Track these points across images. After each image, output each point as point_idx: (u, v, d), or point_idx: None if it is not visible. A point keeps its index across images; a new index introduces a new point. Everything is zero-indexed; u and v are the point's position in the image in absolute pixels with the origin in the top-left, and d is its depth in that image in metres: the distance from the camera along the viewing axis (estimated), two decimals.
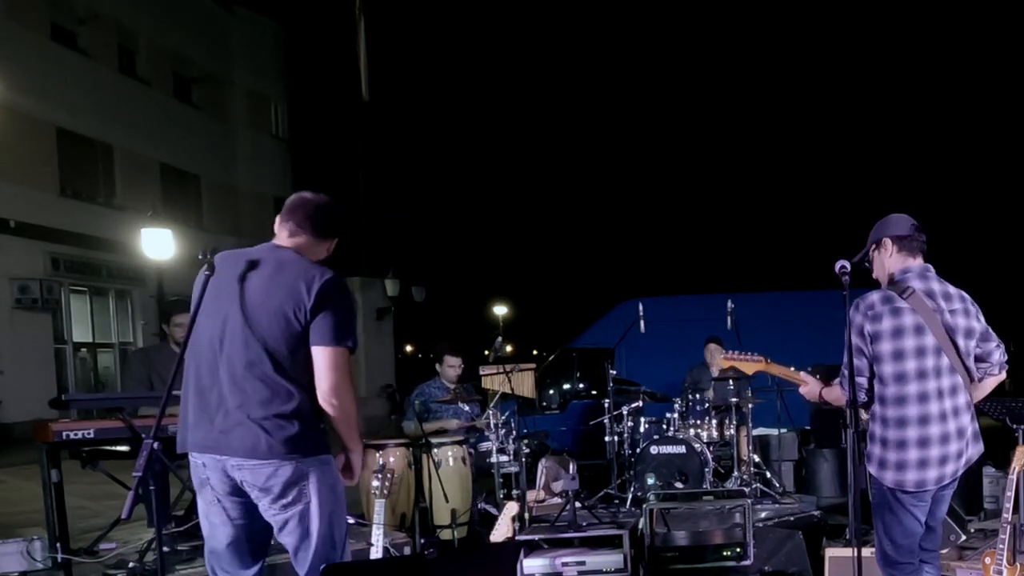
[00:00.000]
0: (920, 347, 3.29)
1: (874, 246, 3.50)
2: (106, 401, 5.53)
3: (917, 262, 3.47)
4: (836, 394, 3.45)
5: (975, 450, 3.41)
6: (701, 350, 8.35)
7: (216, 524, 3.06)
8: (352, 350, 3.05)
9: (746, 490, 6.16)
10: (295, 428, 2.93)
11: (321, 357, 2.96)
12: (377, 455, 5.75)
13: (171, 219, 15.18)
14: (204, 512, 3.08)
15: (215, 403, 2.96)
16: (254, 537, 3.11)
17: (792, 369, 3.67)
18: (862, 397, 3.35)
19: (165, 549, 3.00)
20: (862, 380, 3.33)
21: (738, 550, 5.20)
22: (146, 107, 20.24)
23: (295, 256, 3.07)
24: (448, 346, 6.93)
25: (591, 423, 8.56)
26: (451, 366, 6.79)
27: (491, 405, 6.46)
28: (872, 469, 3.35)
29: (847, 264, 3.37)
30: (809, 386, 3.58)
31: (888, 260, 3.46)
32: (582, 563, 5.10)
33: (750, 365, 3.68)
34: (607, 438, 7.50)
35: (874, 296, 3.35)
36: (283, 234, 3.14)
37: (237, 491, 3.00)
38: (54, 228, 17.32)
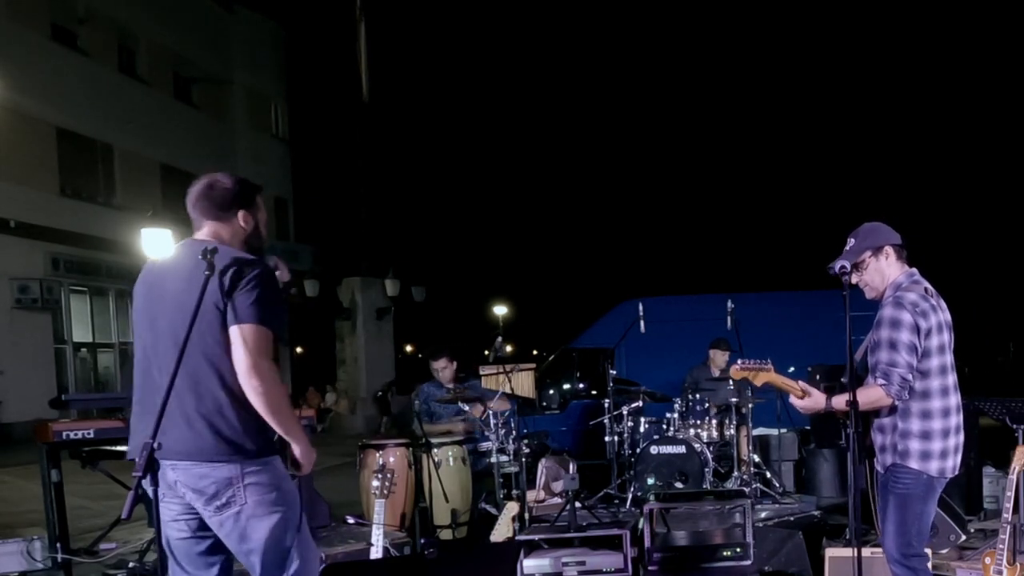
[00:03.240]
0: (949, 341, 3.55)
1: (870, 253, 3.57)
2: (106, 401, 5.54)
3: (911, 268, 3.61)
4: (845, 401, 3.41)
5: None
6: (701, 350, 8.36)
7: (167, 522, 3.01)
8: (276, 335, 2.91)
9: (746, 490, 6.16)
10: (230, 429, 2.86)
11: (235, 336, 2.84)
12: (377, 455, 5.76)
13: (171, 219, 15.17)
14: (158, 513, 3.00)
15: (151, 409, 2.88)
16: (206, 537, 3.03)
17: (797, 382, 3.63)
18: (906, 395, 3.42)
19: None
20: (910, 377, 3.41)
21: (738, 550, 5.21)
22: (146, 107, 20.24)
23: (219, 248, 2.96)
24: (429, 351, 6.90)
25: (591, 423, 8.55)
26: (436, 369, 6.78)
27: (491, 405, 6.46)
28: (913, 463, 3.45)
29: (847, 264, 3.48)
30: (812, 398, 3.54)
31: (888, 268, 3.58)
32: (582, 563, 5.10)
33: (761, 376, 3.66)
34: (607, 438, 7.50)
35: (912, 295, 3.46)
36: (196, 230, 3.12)
37: (176, 493, 2.95)
38: (54, 228, 17.33)
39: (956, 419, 3.52)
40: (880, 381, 3.40)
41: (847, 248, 3.60)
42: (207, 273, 2.79)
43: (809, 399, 3.55)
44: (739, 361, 3.69)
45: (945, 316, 3.54)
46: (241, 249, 3.09)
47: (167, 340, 2.90)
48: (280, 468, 3.00)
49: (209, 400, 2.88)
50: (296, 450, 3.01)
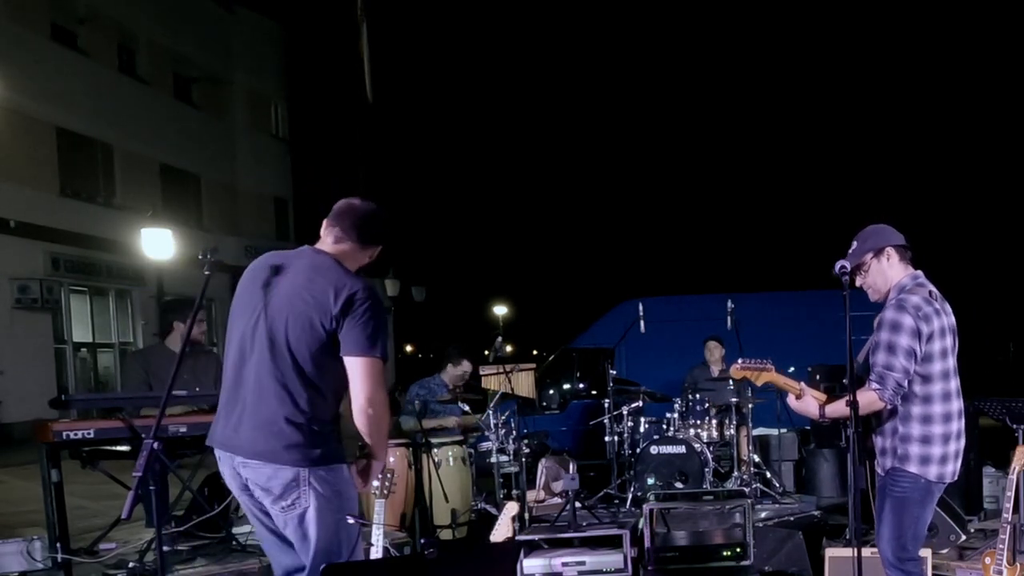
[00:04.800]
0: (952, 346, 3.53)
1: (871, 255, 3.55)
2: (106, 401, 5.53)
3: (916, 270, 3.58)
4: (842, 408, 3.41)
5: None
6: (701, 350, 8.36)
7: (248, 513, 3.16)
8: (384, 360, 3.06)
9: (746, 490, 6.16)
10: (301, 435, 2.94)
11: (355, 367, 2.97)
12: None
13: (171, 219, 15.17)
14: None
15: (235, 402, 3.02)
16: (279, 528, 3.12)
17: (798, 383, 3.61)
18: (898, 400, 3.41)
19: (165, 549, 2.99)
20: (905, 382, 3.39)
21: (738, 550, 5.20)
22: (146, 107, 20.22)
23: (331, 262, 3.08)
24: (465, 349, 6.96)
25: (591, 423, 8.55)
26: (466, 370, 6.81)
27: (491, 405, 6.46)
28: (912, 467, 3.43)
29: (847, 265, 3.46)
30: (805, 401, 3.53)
31: (890, 269, 3.55)
32: (582, 563, 5.10)
33: (763, 376, 3.62)
34: (607, 438, 7.50)
35: (916, 298, 3.43)
36: (328, 239, 3.17)
37: (246, 488, 3.05)
38: (54, 228, 17.30)
39: (957, 425, 3.49)
40: (874, 385, 3.39)
41: (850, 251, 3.58)
42: (207, 273, 2.82)
43: (803, 402, 3.53)
44: (739, 360, 3.66)
45: (949, 320, 3.51)
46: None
47: (264, 339, 2.97)
48: (345, 475, 3.09)
49: (292, 406, 2.95)
50: (375, 467, 3.15)
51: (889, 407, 3.42)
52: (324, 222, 3.22)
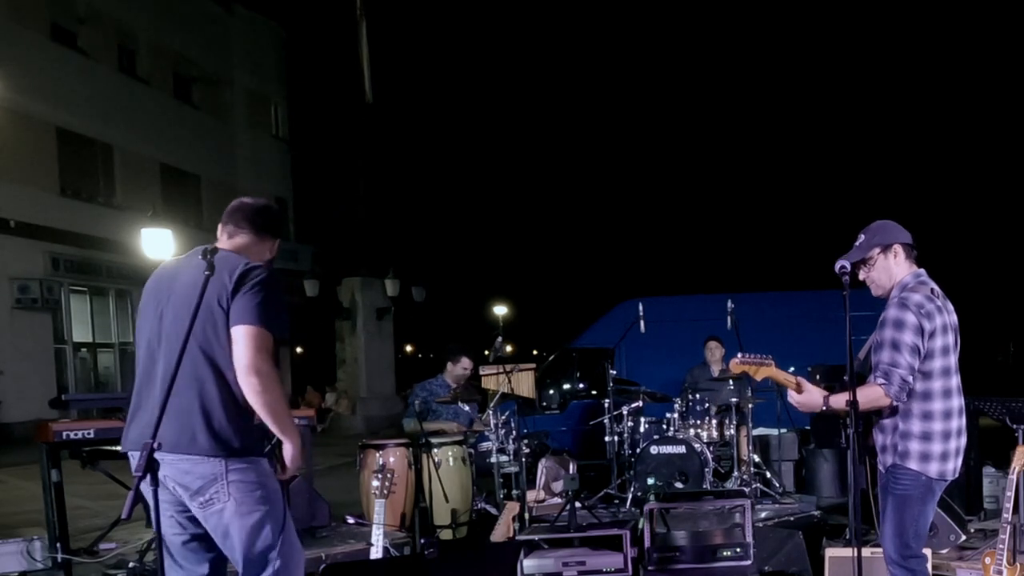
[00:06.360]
0: (954, 343, 3.53)
1: (879, 250, 3.54)
2: (106, 401, 5.54)
3: (920, 268, 3.58)
4: (844, 400, 3.39)
5: None
6: (701, 350, 8.37)
7: (161, 517, 3.03)
8: (277, 338, 3.02)
9: (746, 490, 6.16)
10: (217, 426, 2.94)
11: (239, 335, 2.94)
12: (377, 455, 5.76)
13: (171, 219, 15.20)
14: (158, 512, 3.07)
15: (147, 400, 3.02)
16: (197, 532, 3.08)
17: (796, 379, 3.59)
18: (905, 397, 3.40)
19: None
20: (910, 378, 3.39)
21: (738, 550, 5.20)
22: (146, 107, 20.24)
23: (227, 253, 3.11)
24: (464, 347, 6.95)
25: (591, 423, 8.55)
26: (465, 368, 6.80)
27: (491, 405, 6.46)
28: (912, 464, 3.43)
29: (847, 264, 3.46)
30: (808, 394, 3.50)
31: (896, 266, 3.56)
32: (582, 563, 5.09)
33: (762, 371, 3.57)
34: (607, 438, 7.49)
35: (918, 296, 3.43)
36: (223, 237, 3.24)
37: (166, 487, 2.99)
38: (54, 228, 17.33)
39: (958, 422, 3.49)
40: (880, 381, 3.38)
41: (857, 244, 3.57)
42: (207, 273, 2.82)
43: (806, 394, 3.50)
44: (739, 355, 3.61)
45: (951, 318, 3.51)
46: None
47: (172, 336, 2.96)
48: (265, 467, 3.07)
49: (204, 396, 2.95)
50: (287, 450, 3.09)
51: (896, 403, 3.42)
52: (219, 225, 3.28)
